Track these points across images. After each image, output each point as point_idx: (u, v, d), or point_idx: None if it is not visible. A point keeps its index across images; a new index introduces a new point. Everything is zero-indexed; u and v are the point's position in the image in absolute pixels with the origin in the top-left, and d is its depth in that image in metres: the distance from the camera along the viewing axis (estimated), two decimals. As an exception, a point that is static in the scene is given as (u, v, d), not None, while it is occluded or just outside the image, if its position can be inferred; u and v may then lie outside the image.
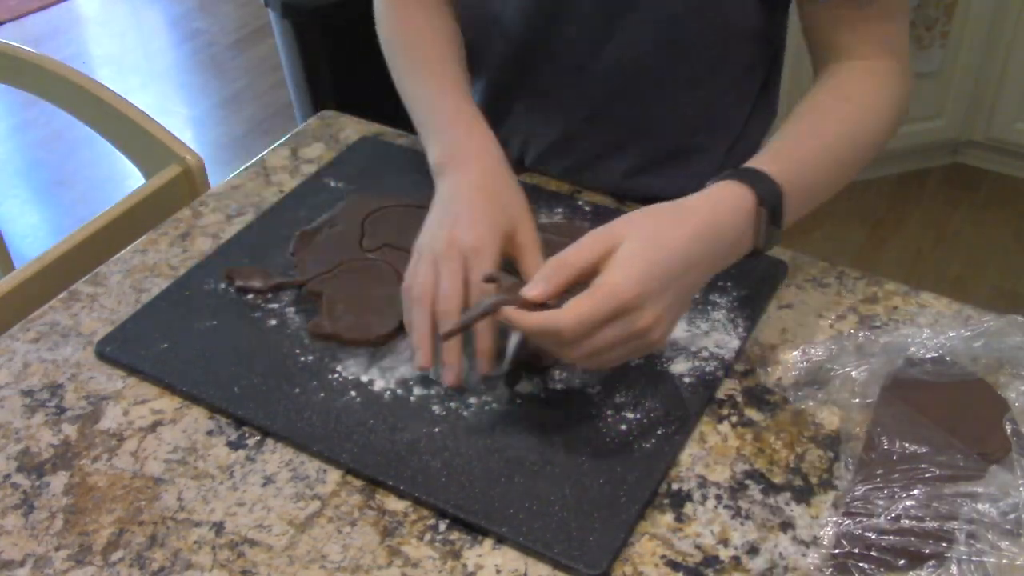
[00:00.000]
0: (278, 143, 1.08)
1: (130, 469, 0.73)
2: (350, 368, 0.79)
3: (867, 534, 0.65)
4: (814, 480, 0.71)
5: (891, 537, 0.64)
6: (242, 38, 3.48)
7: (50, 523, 0.70)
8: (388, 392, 0.77)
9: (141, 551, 0.68)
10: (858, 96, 0.83)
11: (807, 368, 0.78)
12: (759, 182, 0.74)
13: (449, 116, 0.89)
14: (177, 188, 1.10)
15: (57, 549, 0.68)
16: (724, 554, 0.66)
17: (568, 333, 0.66)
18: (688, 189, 0.92)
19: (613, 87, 0.94)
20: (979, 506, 0.65)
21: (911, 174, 2.65)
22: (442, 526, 0.68)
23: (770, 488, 0.70)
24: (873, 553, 0.64)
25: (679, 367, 0.78)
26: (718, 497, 0.70)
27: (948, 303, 0.85)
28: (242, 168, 1.04)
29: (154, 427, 0.76)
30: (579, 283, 0.68)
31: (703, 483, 0.71)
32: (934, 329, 0.79)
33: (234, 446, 0.75)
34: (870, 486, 0.67)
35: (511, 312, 0.69)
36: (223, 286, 0.87)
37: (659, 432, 0.73)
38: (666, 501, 0.70)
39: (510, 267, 0.79)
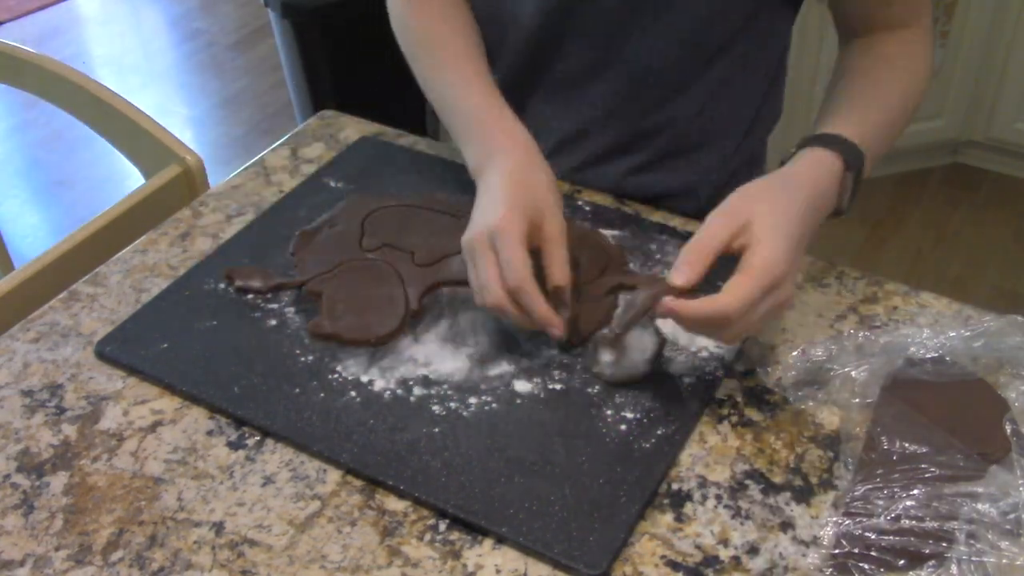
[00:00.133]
0: (278, 143, 1.08)
1: (130, 469, 0.73)
2: (350, 368, 0.79)
3: (867, 534, 0.65)
4: (814, 480, 0.71)
5: (891, 537, 0.64)
6: (242, 38, 3.48)
7: (50, 523, 0.70)
8: (388, 392, 0.77)
9: (141, 551, 0.68)
10: (902, 64, 0.87)
11: (807, 368, 0.78)
12: (845, 148, 0.78)
13: (478, 116, 0.88)
14: (177, 188, 1.10)
15: (57, 549, 0.68)
16: (724, 554, 0.66)
17: (734, 315, 0.69)
18: (694, 185, 0.93)
19: (630, 84, 0.94)
20: (979, 506, 0.65)
21: (911, 174, 2.65)
22: (442, 526, 0.68)
23: (770, 488, 0.70)
24: (873, 553, 0.64)
25: (679, 367, 0.78)
26: (718, 497, 0.70)
27: (948, 303, 0.85)
28: (242, 168, 1.04)
29: (154, 427, 0.76)
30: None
31: (703, 483, 0.71)
32: (934, 329, 0.79)
33: (234, 446, 0.75)
34: (870, 486, 0.67)
35: (675, 304, 0.70)
36: (223, 286, 0.87)
37: (659, 432, 0.73)
38: (666, 501, 0.70)
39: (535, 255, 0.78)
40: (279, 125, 3.00)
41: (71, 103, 1.20)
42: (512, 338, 0.81)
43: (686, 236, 0.91)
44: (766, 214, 0.72)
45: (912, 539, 0.64)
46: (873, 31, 0.89)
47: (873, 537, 0.65)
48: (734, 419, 0.75)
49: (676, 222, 0.93)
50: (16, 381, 0.81)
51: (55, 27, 3.60)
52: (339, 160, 1.03)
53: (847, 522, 0.66)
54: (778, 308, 0.72)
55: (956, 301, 0.85)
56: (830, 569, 0.64)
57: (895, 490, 0.67)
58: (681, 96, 0.95)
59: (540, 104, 1.00)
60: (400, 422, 0.74)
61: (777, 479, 0.71)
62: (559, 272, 0.76)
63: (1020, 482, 0.67)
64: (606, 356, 0.78)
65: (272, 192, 1.00)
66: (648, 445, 0.72)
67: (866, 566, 0.64)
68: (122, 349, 0.82)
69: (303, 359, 0.80)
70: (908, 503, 0.66)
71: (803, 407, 0.76)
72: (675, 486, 0.71)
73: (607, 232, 0.92)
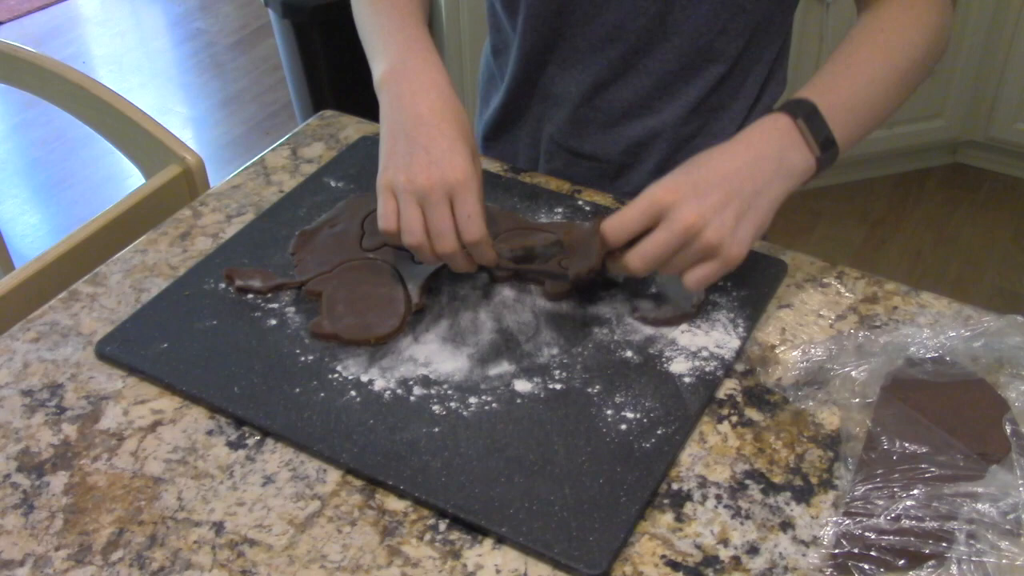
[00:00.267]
0: (278, 143, 1.08)
1: (130, 469, 0.73)
2: (350, 368, 0.79)
3: (867, 534, 0.65)
4: (814, 480, 0.71)
5: (891, 537, 0.64)
6: (242, 38, 3.48)
7: (50, 523, 0.70)
8: (388, 392, 0.77)
9: (141, 551, 0.68)
10: (891, 26, 0.86)
11: (807, 368, 0.78)
12: (790, 104, 0.80)
13: (400, 33, 0.86)
14: (177, 188, 1.10)
15: (57, 549, 0.68)
16: (724, 554, 0.66)
17: (609, 233, 0.75)
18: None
19: (646, 44, 0.95)
20: (979, 506, 0.65)
21: (911, 174, 2.65)
22: (442, 526, 0.68)
23: (770, 488, 0.70)
24: (873, 553, 0.64)
25: (679, 367, 0.78)
26: (718, 497, 0.70)
27: (948, 303, 0.85)
28: (242, 168, 1.04)
29: (154, 427, 0.76)
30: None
31: (703, 483, 0.71)
32: (934, 329, 0.79)
33: (234, 446, 0.75)
34: (870, 486, 0.67)
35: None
36: (223, 286, 0.87)
37: (659, 432, 0.73)
38: (666, 501, 0.70)
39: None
40: (279, 125, 3.00)
41: (71, 103, 1.20)
42: (512, 338, 0.81)
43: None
44: (682, 168, 0.77)
45: (912, 539, 0.64)
46: None
47: (873, 537, 0.65)
48: (734, 419, 0.75)
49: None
50: (16, 381, 0.81)
51: (55, 27, 3.60)
52: (339, 160, 1.03)
53: (847, 522, 0.66)
54: (690, 239, 0.74)
55: (956, 301, 0.85)
56: (830, 569, 0.64)
57: (895, 490, 0.67)
58: (696, 57, 0.96)
59: (558, 71, 1.01)
60: (400, 422, 0.74)
61: (777, 479, 0.71)
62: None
63: (1020, 482, 0.67)
64: (644, 302, 0.84)
65: (272, 192, 1.00)
66: (648, 445, 0.72)
67: (866, 566, 0.64)
68: (122, 349, 0.82)
69: (303, 359, 0.80)
70: (908, 503, 0.66)
71: (803, 407, 0.76)
72: (675, 486, 0.71)
73: (607, 232, 0.92)
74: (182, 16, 3.66)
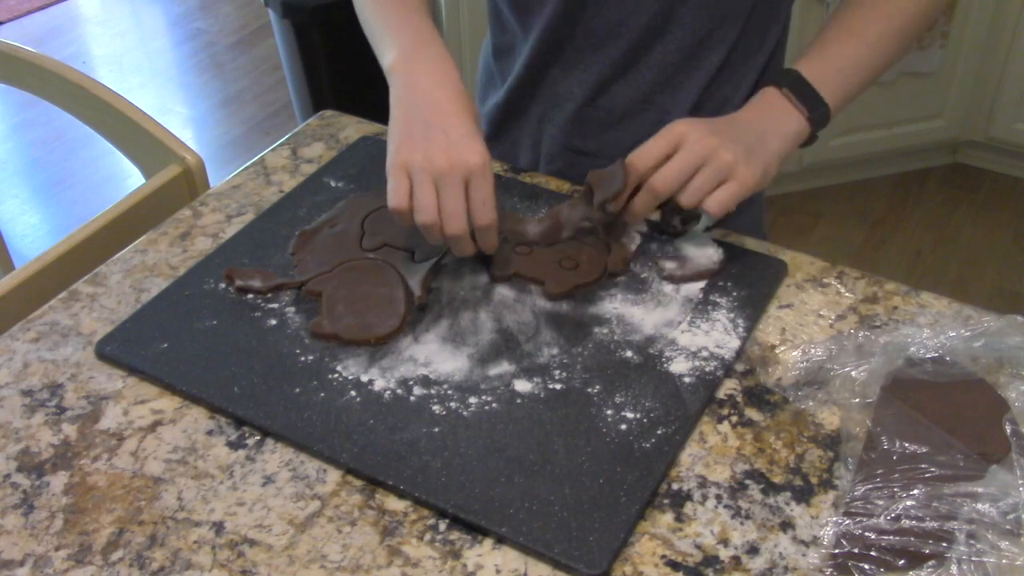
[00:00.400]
0: (278, 143, 1.08)
1: (130, 469, 0.73)
2: (350, 368, 0.79)
3: (867, 534, 0.65)
4: (814, 480, 0.71)
5: (891, 537, 0.64)
6: (242, 38, 3.48)
7: (50, 523, 0.70)
8: (388, 392, 0.77)
9: (141, 551, 0.68)
10: None
11: (807, 368, 0.78)
12: (779, 76, 0.89)
13: (409, 26, 0.87)
14: (177, 188, 1.10)
15: (57, 549, 0.68)
16: (724, 554, 0.66)
17: (634, 160, 0.84)
18: None
19: (647, 43, 0.96)
20: (979, 506, 0.65)
21: (911, 174, 2.65)
22: (442, 526, 0.68)
23: (770, 488, 0.70)
24: (873, 553, 0.64)
25: (679, 367, 0.78)
26: (718, 497, 0.70)
27: (948, 303, 0.85)
28: (242, 168, 1.04)
29: (154, 427, 0.76)
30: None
31: (703, 483, 0.71)
32: (934, 329, 0.79)
33: (234, 446, 0.75)
34: (870, 486, 0.67)
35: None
36: (223, 286, 0.87)
37: (659, 432, 0.73)
38: (666, 501, 0.70)
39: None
40: (279, 125, 3.00)
41: (71, 103, 1.20)
42: (512, 338, 0.81)
43: (686, 236, 0.91)
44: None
45: (912, 539, 0.64)
46: None
47: (873, 537, 0.65)
48: (734, 419, 0.75)
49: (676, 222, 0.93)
50: (16, 381, 0.81)
51: (55, 27, 3.60)
52: (339, 160, 1.03)
53: (847, 522, 0.66)
54: (711, 159, 0.81)
55: (956, 301, 0.85)
56: (830, 569, 0.64)
57: (895, 490, 0.67)
58: (697, 53, 0.96)
59: (561, 72, 1.01)
60: (400, 422, 0.74)
61: (777, 479, 0.71)
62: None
63: (1020, 482, 0.67)
64: (669, 264, 0.88)
65: (272, 192, 1.00)
66: (648, 445, 0.72)
67: (866, 566, 0.64)
68: (122, 349, 0.82)
69: (303, 359, 0.80)
70: (908, 503, 0.66)
71: (803, 407, 0.76)
72: (675, 486, 0.71)
73: (607, 232, 0.92)
74: (182, 16, 3.66)
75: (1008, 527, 0.64)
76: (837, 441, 0.73)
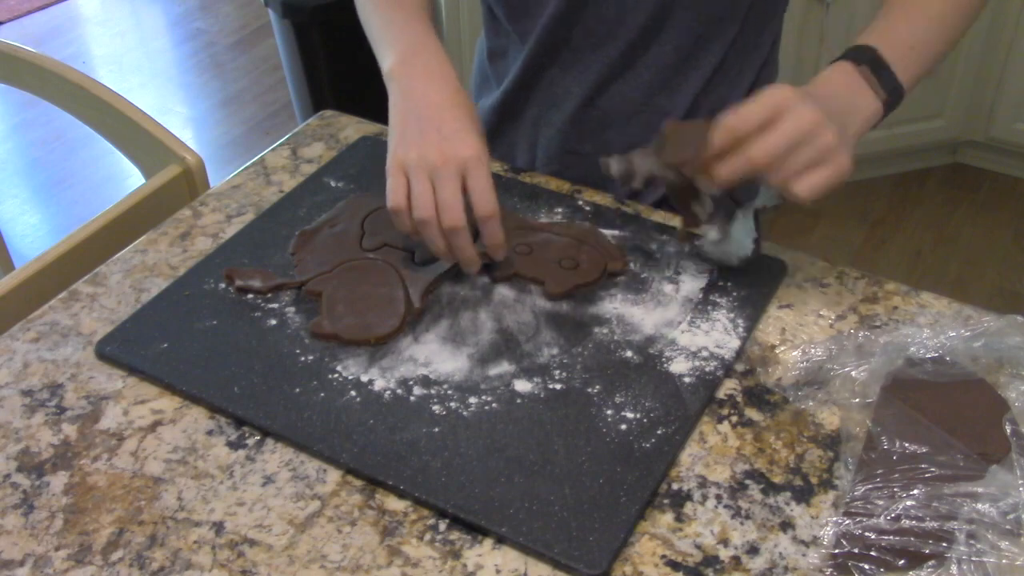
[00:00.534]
0: (278, 143, 1.08)
1: (130, 469, 0.73)
2: (350, 368, 0.79)
3: (867, 534, 0.65)
4: (814, 480, 0.71)
5: (891, 537, 0.64)
6: (242, 38, 3.48)
7: (50, 523, 0.70)
8: (388, 392, 0.77)
9: (141, 551, 0.68)
10: None
11: (807, 368, 0.78)
12: (853, 51, 0.81)
13: (408, 27, 0.88)
14: (177, 188, 1.10)
15: (57, 549, 0.68)
16: (724, 554, 0.66)
17: (737, 123, 0.74)
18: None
19: (644, 43, 0.96)
20: (979, 506, 0.65)
21: (911, 174, 2.65)
22: (442, 526, 0.68)
23: (770, 488, 0.70)
24: (873, 553, 0.64)
25: (679, 367, 0.78)
26: (718, 497, 0.70)
27: (948, 303, 0.85)
28: (242, 168, 1.04)
29: (154, 427, 0.76)
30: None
31: (703, 483, 0.71)
32: (934, 329, 0.79)
33: (234, 446, 0.75)
34: (870, 486, 0.67)
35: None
36: (223, 286, 0.87)
37: (659, 432, 0.73)
38: (666, 501, 0.70)
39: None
40: (279, 125, 3.00)
41: (71, 103, 1.20)
42: (512, 338, 0.81)
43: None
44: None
45: (912, 539, 0.64)
46: None
47: (873, 537, 0.65)
48: (734, 419, 0.75)
49: (676, 222, 0.93)
50: (16, 381, 0.81)
51: (55, 27, 3.60)
52: (339, 160, 1.03)
53: (847, 522, 0.66)
54: (811, 135, 0.73)
55: (956, 301, 0.85)
56: (830, 569, 0.64)
57: (895, 490, 0.67)
58: (693, 52, 0.96)
59: (559, 72, 1.01)
60: (400, 422, 0.74)
61: (777, 479, 0.71)
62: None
63: (1020, 482, 0.67)
64: (712, 234, 0.85)
65: (272, 192, 1.00)
66: (648, 445, 0.72)
67: (866, 566, 0.64)
68: (122, 349, 0.82)
69: (303, 359, 0.80)
70: (908, 503, 0.66)
71: (803, 407, 0.76)
72: (675, 486, 0.71)
73: (607, 232, 0.92)
74: (182, 16, 3.66)
75: (1008, 527, 0.64)
76: (837, 441, 0.73)
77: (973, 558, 0.63)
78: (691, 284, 0.86)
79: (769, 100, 0.75)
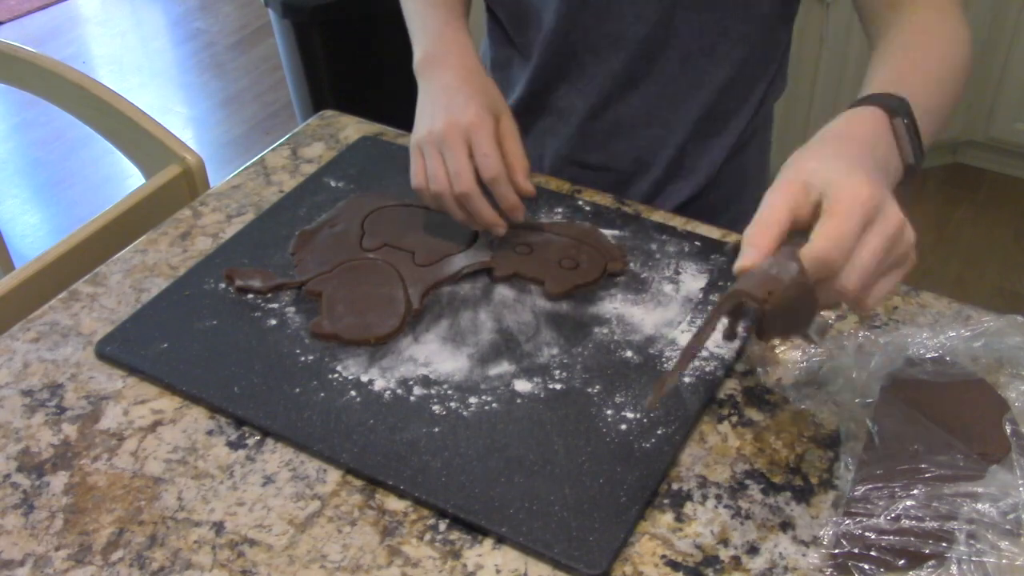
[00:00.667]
0: (278, 143, 1.08)
1: (130, 469, 0.73)
2: (350, 368, 0.79)
3: (867, 534, 0.65)
4: (814, 480, 0.71)
5: (891, 537, 0.64)
6: (242, 38, 3.48)
7: (50, 523, 0.70)
8: (388, 392, 0.77)
9: (141, 551, 0.68)
10: (938, 32, 0.80)
11: (807, 368, 0.78)
12: (886, 100, 0.69)
13: (435, 25, 0.93)
14: (177, 188, 1.10)
15: (57, 549, 0.68)
16: (724, 554, 0.66)
17: (834, 254, 0.59)
18: (718, 158, 0.96)
19: (649, 55, 0.96)
20: (979, 506, 0.65)
21: (911, 174, 2.65)
22: (442, 526, 0.68)
23: (770, 488, 0.70)
24: (873, 553, 0.64)
25: (679, 367, 0.78)
26: (718, 497, 0.70)
27: (948, 303, 0.85)
28: (242, 168, 1.04)
29: (154, 427, 0.76)
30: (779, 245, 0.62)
31: (703, 483, 0.71)
32: (934, 329, 0.79)
33: (234, 446, 0.75)
34: (870, 486, 0.67)
35: (768, 273, 0.60)
36: (223, 286, 0.87)
37: (659, 432, 0.73)
38: (666, 501, 0.70)
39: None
40: (279, 125, 3.00)
41: (71, 103, 1.20)
42: (512, 338, 0.81)
43: (686, 236, 0.91)
44: (821, 166, 0.63)
45: (912, 539, 0.64)
46: (900, 10, 0.82)
47: (873, 537, 0.65)
48: (734, 419, 0.75)
49: (676, 222, 0.93)
50: (16, 381, 0.81)
51: (55, 27, 3.60)
52: (339, 160, 1.03)
53: (847, 522, 0.66)
54: (894, 241, 0.61)
55: (956, 301, 0.85)
56: (830, 569, 0.64)
57: (895, 490, 0.67)
58: (700, 66, 0.96)
59: (567, 85, 1.01)
60: (400, 422, 0.74)
61: (777, 479, 0.71)
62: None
63: (1020, 482, 0.67)
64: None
65: (272, 192, 1.00)
66: (648, 445, 0.72)
67: (866, 566, 0.64)
68: (122, 349, 0.82)
69: (303, 359, 0.80)
70: (908, 503, 0.66)
71: (803, 407, 0.76)
72: (675, 486, 0.71)
73: (607, 232, 0.92)
74: (182, 16, 3.66)
75: (1008, 527, 0.64)
76: (837, 441, 0.73)
77: (973, 558, 0.63)
78: (691, 284, 0.86)
79: (855, 211, 0.60)
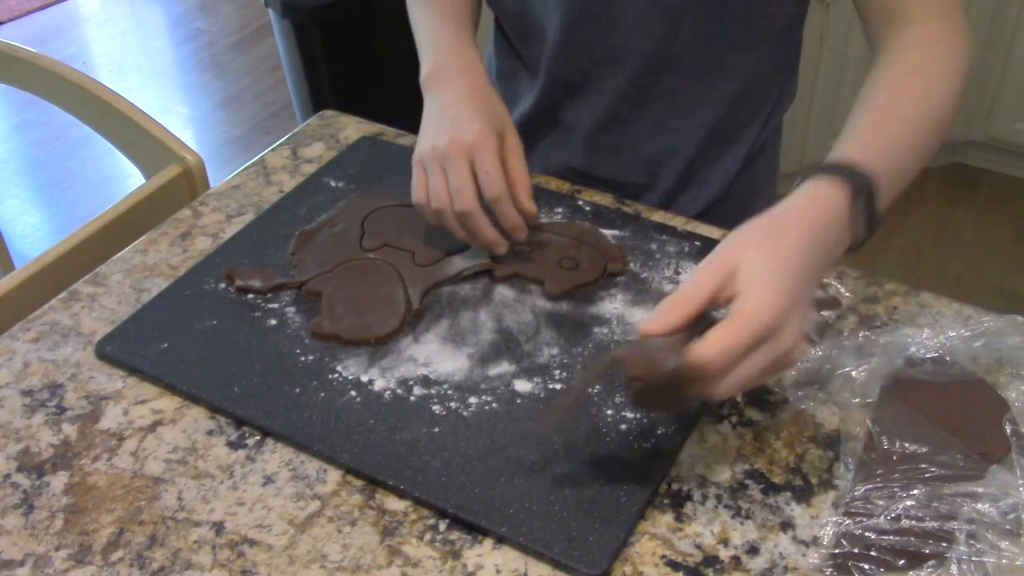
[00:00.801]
0: (278, 143, 1.08)
1: (130, 469, 0.73)
2: (350, 368, 0.79)
3: (867, 534, 0.65)
4: (814, 480, 0.71)
5: (891, 537, 0.64)
6: (242, 38, 3.48)
7: (50, 523, 0.70)
8: (388, 392, 0.77)
9: (141, 551, 0.68)
10: (926, 67, 0.79)
11: (807, 368, 0.78)
12: (851, 175, 0.70)
13: (443, 39, 0.93)
14: (177, 188, 1.10)
15: (57, 549, 0.68)
16: (724, 554, 0.66)
17: (717, 364, 0.61)
18: (730, 170, 0.95)
19: (656, 68, 0.95)
20: (979, 506, 0.65)
21: (911, 174, 2.65)
22: (442, 526, 0.68)
23: (770, 488, 0.70)
24: (873, 553, 0.64)
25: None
26: (718, 497, 0.70)
27: (948, 303, 0.85)
28: (242, 168, 1.04)
29: (154, 427, 0.76)
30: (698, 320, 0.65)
31: (703, 483, 0.71)
32: (934, 329, 0.79)
33: (234, 446, 0.75)
34: (870, 486, 0.67)
35: (654, 354, 0.63)
36: (223, 286, 0.87)
37: (659, 432, 0.73)
38: (666, 501, 0.70)
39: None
40: (279, 125, 3.00)
41: (71, 103, 1.20)
42: (512, 338, 0.81)
43: (686, 236, 0.91)
44: (755, 260, 0.65)
45: (912, 539, 0.64)
46: (895, 24, 0.81)
47: (873, 537, 0.65)
48: (734, 419, 0.75)
49: (676, 222, 0.93)
50: (16, 381, 0.81)
51: (55, 27, 3.60)
52: (339, 160, 1.03)
53: (847, 522, 0.66)
54: (778, 360, 0.64)
55: (956, 301, 0.85)
56: (830, 569, 0.64)
57: (895, 490, 0.67)
58: (709, 78, 0.96)
59: (572, 101, 1.01)
60: (400, 422, 0.74)
61: (777, 479, 0.71)
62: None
63: (1020, 482, 0.67)
64: None
65: (272, 192, 1.00)
66: (648, 445, 0.72)
67: (866, 566, 0.64)
68: (122, 349, 0.82)
69: (303, 359, 0.80)
70: (908, 503, 0.66)
71: (803, 407, 0.76)
72: (675, 486, 0.71)
73: (607, 232, 0.92)
74: (182, 16, 3.66)
75: (1008, 527, 0.64)
76: (837, 441, 0.73)
77: (973, 558, 0.63)
78: (691, 284, 0.86)
79: (753, 328, 0.62)
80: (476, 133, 0.82)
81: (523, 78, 1.04)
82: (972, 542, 0.64)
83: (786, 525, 0.68)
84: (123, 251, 0.94)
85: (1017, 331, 0.77)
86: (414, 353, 0.80)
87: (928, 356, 0.77)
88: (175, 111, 3.13)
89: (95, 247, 1.00)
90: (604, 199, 0.97)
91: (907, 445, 0.70)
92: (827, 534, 0.67)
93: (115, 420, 0.77)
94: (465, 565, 0.66)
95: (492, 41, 1.09)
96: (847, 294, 0.86)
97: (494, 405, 0.76)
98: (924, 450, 0.69)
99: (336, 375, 0.78)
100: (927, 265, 2.37)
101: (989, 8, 2.31)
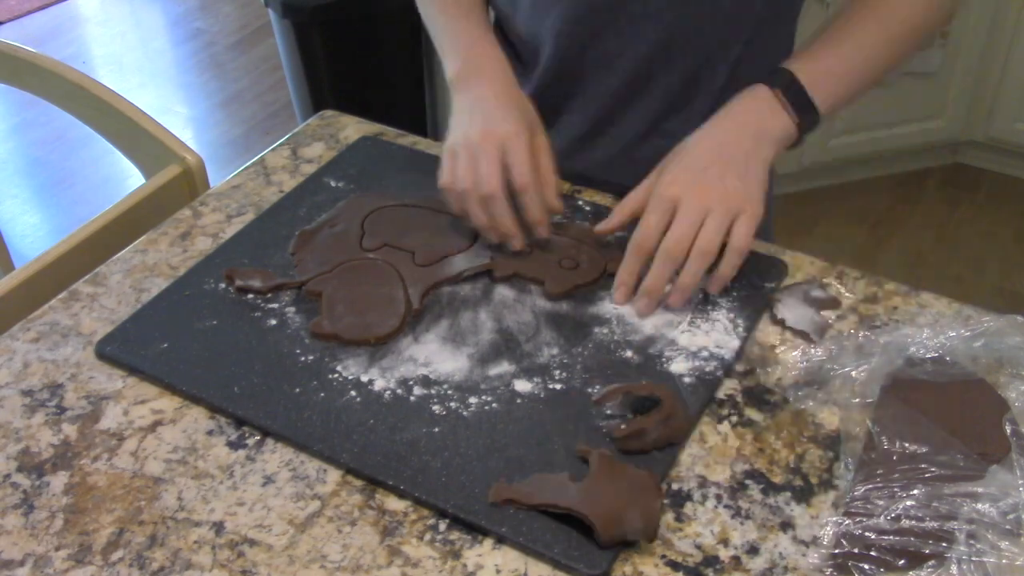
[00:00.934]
0: (278, 143, 1.08)
1: (130, 469, 0.73)
2: (350, 368, 0.79)
3: (867, 534, 0.65)
4: (814, 480, 0.71)
5: (891, 537, 0.64)
6: (242, 38, 3.48)
7: (50, 523, 0.70)
8: (388, 392, 0.77)
9: (141, 551, 0.68)
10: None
11: (807, 368, 0.78)
12: (775, 72, 0.86)
13: (467, 40, 0.94)
14: (177, 188, 1.10)
15: (57, 549, 0.68)
16: (724, 554, 0.66)
17: (642, 240, 0.82)
18: None
19: (650, 71, 0.96)
20: (979, 506, 0.65)
21: (911, 174, 2.65)
22: (442, 526, 0.68)
23: (770, 488, 0.70)
24: (873, 553, 0.64)
25: (679, 367, 0.78)
26: (718, 497, 0.70)
27: (948, 303, 0.85)
28: (242, 168, 1.04)
29: (154, 427, 0.76)
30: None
31: (703, 483, 0.71)
32: (934, 329, 0.79)
33: (234, 446, 0.75)
34: (870, 486, 0.67)
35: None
36: (223, 286, 0.87)
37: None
38: (666, 501, 0.70)
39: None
40: (279, 125, 3.00)
41: (71, 103, 1.20)
42: (512, 338, 0.81)
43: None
44: (673, 160, 0.84)
45: (912, 539, 0.64)
46: None
47: (873, 537, 0.65)
48: (734, 419, 0.75)
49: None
50: (16, 381, 0.81)
51: (55, 27, 3.60)
52: (339, 160, 1.03)
53: (847, 522, 0.66)
54: (713, 204, 0.80)
55: (956, 301, 0.85)
56: (830, 569, 0.64)
57: (895, 490, 0.67)
58: (715, 74, 0.96)
59: (567, 95, 1.01)
60: (400, 422, 0.74)
61: (777, 479, 0.71)
62: (550, 178, 0.86)
63: (1020, 482, 0.67)
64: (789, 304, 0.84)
65: (272, 192, 1.00)
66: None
67: (866, 566, 0.64)
68: (122, 349, 0.82)
69: (303, 359, 0.80)
70: (908, 503, 0.66)
71: (803, 407, 0.76)
72: (675, 486, 0.71)
73: (607, 232, 0.92)
74: (182, 16, 3.66)
75: (1008, 527, 0.64)
76: (837, 441, 0.73)
77: (973, 558, 0.63)
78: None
79: (660, 204, 0.81)
80: (509, 127, 0.84)
81: (532, 85, 1.05)
82: (972, 542, 0.64)
83: (786, 525, 0.68)
84: (123, 251, 0.94)
85: (1017, 331, 0.77)
86: (414, 353, 0.80)
87: (928, 356, 0.77)
88: (175, 111, 3.13)
89: (95, 247, 1.00)
90: (604, 199, 0.97)
91: (907, 445, 0.70)
92: (827, 534, 0.67)
93: (115, 420, 0.77)
94: (465, 565, 0.66)
95: None
96: (847, 294, 0.86)
97: (494, 405, 0.76)
98: (924, 450, 0.69)
99: (336, 375, 0.78)
100: (927, 265, 2.37)
101: (989, 8, 2.31)
